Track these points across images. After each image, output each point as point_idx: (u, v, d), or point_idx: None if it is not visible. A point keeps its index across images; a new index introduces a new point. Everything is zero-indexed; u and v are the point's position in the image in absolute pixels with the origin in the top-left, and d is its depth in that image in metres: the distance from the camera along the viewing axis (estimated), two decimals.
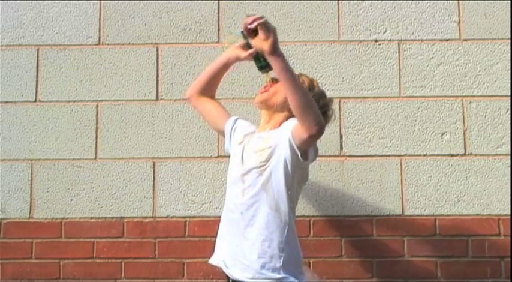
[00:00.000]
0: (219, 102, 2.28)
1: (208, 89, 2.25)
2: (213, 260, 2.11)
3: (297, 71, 2.64)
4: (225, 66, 2.20)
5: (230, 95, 2.69)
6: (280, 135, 1.96)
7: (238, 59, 2.12)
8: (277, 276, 1.92)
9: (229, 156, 2.20)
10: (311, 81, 2.12)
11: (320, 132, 1.84)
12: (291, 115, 1.99)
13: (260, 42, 1.84)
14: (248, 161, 2.02)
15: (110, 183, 2.71)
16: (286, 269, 1.93)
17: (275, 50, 1.81)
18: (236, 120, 2.24)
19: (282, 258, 1.93)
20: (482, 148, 2.68)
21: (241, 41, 2.01)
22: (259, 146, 2.01)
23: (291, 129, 1.91)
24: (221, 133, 2.28)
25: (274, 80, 2.05)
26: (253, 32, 1.84)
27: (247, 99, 2.67)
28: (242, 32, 1.92)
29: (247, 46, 2.00)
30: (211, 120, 2.29)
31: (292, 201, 1.99)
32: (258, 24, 1.79)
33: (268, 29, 1.81)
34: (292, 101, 1.82)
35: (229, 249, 2.03)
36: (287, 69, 1.83)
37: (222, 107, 2.27)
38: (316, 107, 1.85)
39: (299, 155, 1.90)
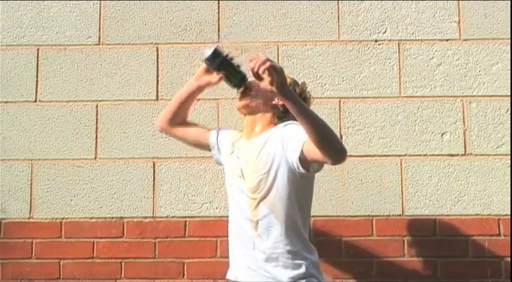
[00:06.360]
0: (192, 121, 2.26)
1: (180, 116, 2.21)
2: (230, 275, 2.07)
3: (297, 71, 2.71)
4: (196, 92, 2.16)
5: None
6: (279, 144, 1.92)
7: (209, 84, 2.10)
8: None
9: None
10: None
11: (345, 157, 1.81)
12: (278, 114, 1.98)
13: (268, 84, 1.77)
14: (249, 176, 1.98)
15: (110, 183, 2.71)
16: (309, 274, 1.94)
17: (283, 90, 1.75)
18: (218, 130, 2.20)
19: (304, 266, 1.93)
20: (482, 148, 2.68)
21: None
22: (254, 154, 1.97)
23: (301, 148, 1.83)
24: (205, 148, 2.23)
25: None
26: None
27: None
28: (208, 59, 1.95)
29: (216, 70, 1.99)
30: (191, 142, 2.26)
31: (301, 208, 1.97)
32: (265, 70, 1.71)
33: (275, 72, 1.73)
34: (311, 135, 1.76)
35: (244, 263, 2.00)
36: (299, 106, 1.77)
37: (197, 124, 2.25)
38: (335, 134, 1.81)
39: (302, 170, 1.87)
